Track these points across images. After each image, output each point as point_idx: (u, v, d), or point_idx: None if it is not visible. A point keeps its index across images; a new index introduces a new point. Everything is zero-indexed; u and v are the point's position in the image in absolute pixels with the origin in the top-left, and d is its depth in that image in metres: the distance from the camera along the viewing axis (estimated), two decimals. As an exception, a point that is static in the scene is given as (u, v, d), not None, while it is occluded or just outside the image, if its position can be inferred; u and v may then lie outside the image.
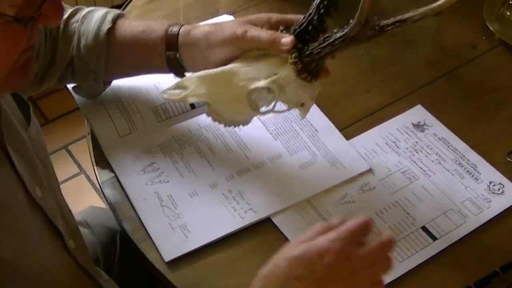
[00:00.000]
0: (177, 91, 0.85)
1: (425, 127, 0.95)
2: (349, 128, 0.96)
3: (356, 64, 1.07)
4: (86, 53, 0.86)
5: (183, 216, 0.85)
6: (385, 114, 0.98)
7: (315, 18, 0.79)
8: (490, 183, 0.88)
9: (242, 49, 0.83)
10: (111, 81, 0.95)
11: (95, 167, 0.90)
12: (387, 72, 1.05)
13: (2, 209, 0.62)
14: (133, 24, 0.89)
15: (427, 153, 0.92)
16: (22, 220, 0.66)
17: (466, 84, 1.04)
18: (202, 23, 0.93)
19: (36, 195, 0.68)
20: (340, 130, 0.95)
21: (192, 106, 0.98)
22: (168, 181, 0.89)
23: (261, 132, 0.96)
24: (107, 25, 0.87)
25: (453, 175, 0.89)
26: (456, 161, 0.91)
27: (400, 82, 1.03)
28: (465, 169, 0.90)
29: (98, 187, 0.89)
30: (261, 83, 0.81)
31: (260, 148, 0.94)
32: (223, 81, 0.83)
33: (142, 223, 0.83)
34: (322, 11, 0.78)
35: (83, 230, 0.97)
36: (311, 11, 0.79)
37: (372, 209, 0.85)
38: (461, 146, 0.92)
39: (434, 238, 0.82)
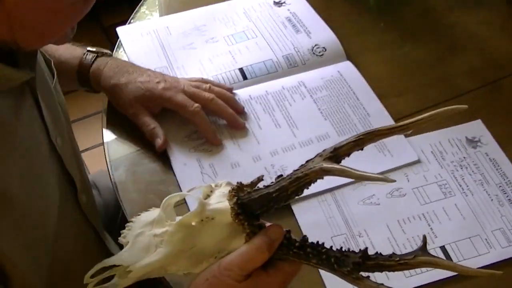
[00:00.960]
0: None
1: (478, 144, 0.90)
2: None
3: (393, 66, 1.03)
4: None
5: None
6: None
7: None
8: (530, 217, 0.82)
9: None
10: None
11: (105, 144, 0.92)
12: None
13: (23, 151, 0.65)
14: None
15: (472, 171, 0.87)
16: (41, 166, 0.69)
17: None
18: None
19: (57, 143, 0.71)
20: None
21: (244, 76, 0.98)
22: (211, 150, 0.90)
23: (312, 110, 0.96)
24: None
25: (492, 200, 0.84)
26: (500, 186, 0.85)
27: (438, 87, 0.99)
28: (507, 196, 0.84)
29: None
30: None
31: (309, 126, 0.94)
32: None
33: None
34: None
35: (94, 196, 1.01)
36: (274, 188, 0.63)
37: (395, 216, 0.83)
38: (511, 172, 0.87)
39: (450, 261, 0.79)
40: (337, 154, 0.62)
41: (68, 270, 0.72)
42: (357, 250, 0.79)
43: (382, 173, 0.87)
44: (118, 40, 1.06)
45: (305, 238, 0.66)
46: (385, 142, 0.90)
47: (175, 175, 0.88)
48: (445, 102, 0.95)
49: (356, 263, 0.64)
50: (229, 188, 0.68)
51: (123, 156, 0.91)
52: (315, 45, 1.02)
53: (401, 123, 0.61)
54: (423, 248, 0.65)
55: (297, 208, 0.83)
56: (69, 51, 0.91)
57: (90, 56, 0.90)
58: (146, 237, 0.65)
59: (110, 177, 0.88)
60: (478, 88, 0.97)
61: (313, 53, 1.02)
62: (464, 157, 0.89)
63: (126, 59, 1.01)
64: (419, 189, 0.85)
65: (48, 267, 0.70)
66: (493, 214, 0.83)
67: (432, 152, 0.89)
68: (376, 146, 0.89)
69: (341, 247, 0.66)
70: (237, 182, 0.67)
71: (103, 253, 0.85)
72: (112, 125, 0.94)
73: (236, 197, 0.64)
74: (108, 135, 0.94)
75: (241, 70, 0.99)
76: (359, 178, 0.58)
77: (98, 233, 0.84)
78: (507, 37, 1.05)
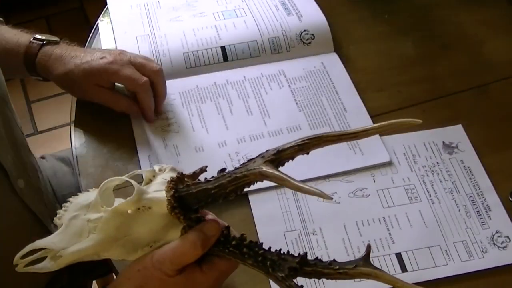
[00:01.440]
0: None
1: (455, 150, 0.86)
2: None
3: (381, 60, 0.99)
4: None
5: (181, 164, 0.84)
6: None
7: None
8: (496, 232, 0.78)
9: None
10: None
11: (71, 126, 0.91)
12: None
13: None
14: (5, 29, 0.90)
15: (443, 178, 0.83)
16: None
17: (497, 102, 0.92)
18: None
19: None
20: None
21: (225, 58, 0.95)
22: (178, 132, 0.88)
23: (287, 100, 0.93)
24: None
25: (459, 210, 0.80)
26: (470, 196, 0.81)
27: (424, 86, 0.94)
28: (476, 208, 0.80)
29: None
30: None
31: (281, 116, 0.91)
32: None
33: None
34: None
35: (63, 168, 0.99)
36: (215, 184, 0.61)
37: (354, 217, 0.79)
38: (485, 183, 0.82)
39: (404, 270, 0.75)
40: (280, 157, 0.59)
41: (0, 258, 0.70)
42: (308, 248, 0.77)
43: (351, 171, 0.83)
44: (106, 7, 1.05)
45: (243, 237, 0.63)
46: (359, 142, 0.86)
47: (137, 153, 0.86)
48: (426, 103, 0.91)
49: (292, 268, 0.61)
50: (173, 174, 0.65)
51: (88, 131, 0.90)
52: (304, 31, 0.98)
53: (349, 130, 0.58)
54: (366, 258, 0.61)
55: (253, 199, 0.81)
56: (15, 39, 0.88)
57: (35, 45, 0.87)
58: (80, 221, 0.63)
59: (72, 150, 0.87)
60: (463, 91, 0.92)
61: (301, 39, 0.98)
62: (438, 163, 0.84)
63: (110, 27, 1.00)
64: (384, 191, 0.82)
65: None
66: (458, 225, 0.79)
67: (404, 154, 0.85)
68: (347, 143, 0.86)
69: (280, 249, 0.63)
70: (178, 173, 0.64)
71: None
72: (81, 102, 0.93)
73: (173, 190, 0.62)
74: (78, 112, 0.92)
75: (223, 49, 0.96)
76: (296, 189, 0.55)
77: (41, 220, 0.81)
78: (503, 40, 0.99)
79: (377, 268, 0.60)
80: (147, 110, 0.86)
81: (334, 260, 0.62)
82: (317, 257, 0.62)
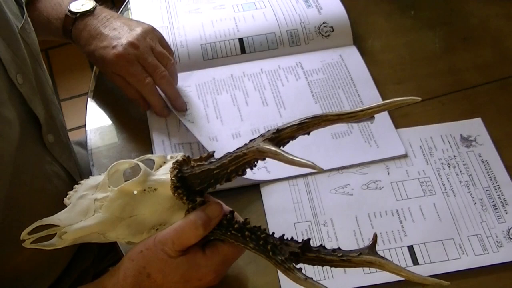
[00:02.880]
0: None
1: (473, 143, 0.84)
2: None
3: (401, 53, 0.97)
4: None
5: (196, 155, 0.84)
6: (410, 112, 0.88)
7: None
8: (513, 227, 0.76)
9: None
10: None
11: (87, 111, 0.92)
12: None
13: None
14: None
15: (460, 171, 0.81)
16: None
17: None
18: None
19: (17, 81, 0.71)
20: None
21: (243, 50, 0.95)
22: (192, 122, 0.88)
23: (304, 92, 0.92)
24: None
25: (475, 203, 0.78)
26: (487, 190, 0.79)
27: (443, 79, 0.93)
28: (492, 202, 0.78)
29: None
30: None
31: (297, 108, 0.90)
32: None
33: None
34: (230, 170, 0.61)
35: (80, 150, 1.00)
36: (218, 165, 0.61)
37: (367, 209, 0.78)
38: (502, 177, 0.80)
39: (415, 262, 0.74)
40: (280, 135, 0.59)
41: (23, 207, 0.73)
42: (318, 239, 0.76)
43: (365, 163, 0.82)
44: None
45: (246, 221, 0.64)
46: (373, 132, 0.85)
47: (151, 144, 0.86)
48: (445, 96, 0.89)
49: (293, 253, 0.61)
50: None
51: (103, 121, 0.91)
52: (323, 23, 0.97)
53: (348, 110, 0.57)
54: (371, 247, 0.61)
55: (265, 190, 0.81)
56: (54, 12, 0.90)
57: (70, 18, 0.88)
58: (87, 200, 0.65)
59: (86, 141, 0.88)
60: (483, 84, 0.90)
61: (319, 32, 0.97)
62: (454, 156, 0.83)
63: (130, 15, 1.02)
64: (398, 184, 0.80)
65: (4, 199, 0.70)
66: (473, 219, 0.77)
67: (420, 147, 0.84)
68: (363, 135, 0.85)
69: (283, 235, 0.63)
70: (184, 155, 0.65)
71: None
72: (98, 91, 0.95)
73: (177, 170, 0.62)
74: (93, 102, 0.94)
75: (241, 41, 0.96)
76: (289, 162, 0.55)
77: (72, 175, 0.83)
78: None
79: (381, 257, 0.60)
80: (154, 107, 0.87)
81: (338, 247, 0.62)
82: (321, 244, 0.62)
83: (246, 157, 0.59)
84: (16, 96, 0.72)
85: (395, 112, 0.87)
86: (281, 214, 0.78)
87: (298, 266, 0.60)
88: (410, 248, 0.75)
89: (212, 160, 0.62)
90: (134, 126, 0.89)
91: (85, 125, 0.90)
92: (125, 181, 0.65)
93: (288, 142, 0.60)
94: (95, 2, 0.90)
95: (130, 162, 0.67)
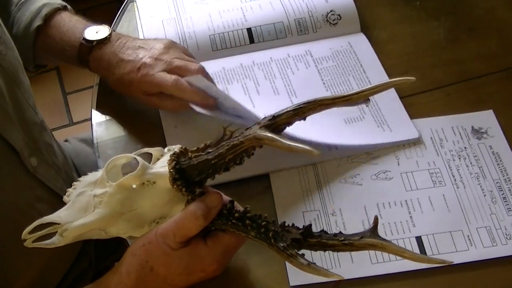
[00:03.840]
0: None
1: (484, 135, 0.83)
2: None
3: (407, 43, 0.96)
4: (16, 41, 0.83)
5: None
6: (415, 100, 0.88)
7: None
8: (522, 220, 0.76)
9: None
10: (43, 65, 0.95)
11: (92, 103, 0.92)
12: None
13: None
14: (63, 22, 0.88)
15: (470, 163, 0.81)
16: None
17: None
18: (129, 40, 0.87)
19: None
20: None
21: (251, 39, 0.95)
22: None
23: (314, 80, 0.92)
24: (38, 22, 0.86)
25: (485, 195, 0.78)
26: (497, 182, 0.79)
27: (449, 69, 0.92)
28: (502, 194, 0.78)
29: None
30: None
31: (308, 95, 0.89)
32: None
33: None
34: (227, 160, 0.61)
35: (86, 148, 1.00)
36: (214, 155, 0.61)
37: (376, 199, 0.78)
38: (513, 169, 0.80)
39: (423, 254, 0.73)
40: (276, 122, 0.59)
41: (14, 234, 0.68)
42: (326, 229, 0.76)
43: (375, 153, 0.82)
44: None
45: (246, 210, 0.63)
46: (386, 117, 0.85)
47: (157, 136, 0.86)
48: (450, 86, 0.89)
49: (295, 239, 0.61)
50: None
51: (109, 113, 0.91)
52: (330, 11, 0.97)
53: (343, 94, 0.57)
54: (373, 230, 0.61)
55: (274, 178, 0.80)
56: (67, 39, 0.87)
57: (85, 47, 0.85)
58: (86, 196, 0.64)
59: (92, 134, 0.88)
60: (489, 74, 0.90)
61: (327, 20, 0.97)
62: (465, 147, 0.82)
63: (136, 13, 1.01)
64: (408, 174, 0.80)
65: None
66: (482, 211, 0.77)
67: (431, 138, 0.83)
68: (375, 120, 0.85)
69: (284, 222, 0.63)
70: (181, 146, 0.64)
71: None
72: (104, 84, 0.93)
73: (175, 162, 0.62)
74: (99, 95, 0.93)
75: (249, 31, 0.96)
76: (287, 149, 0.55)
77: (59, 195, 0.80)
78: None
79: (383, 239, 0.60)
80: (201, 102, 0.81)
81: (340, 232, 0.61)
82: (322, 229, 0.62)
83: (243, 145, 0.59)
84: None
85: (405, 102, 0.87)
86: (290, 203, 0.78)
87: (300, 252, 0.60)
88: (418, 239, 0.75)
89: (209, 151, 0.62)
90: (140, 118, 0.89)
91: (91, 118, 0.90)
92: (125, 174, 0.65)
93: (285, 128, 0.60)
94: (109, 28, 0.86)
95: (128, 157, 0.67)
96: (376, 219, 0.60)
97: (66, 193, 0.65)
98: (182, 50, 0.86)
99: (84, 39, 0.85)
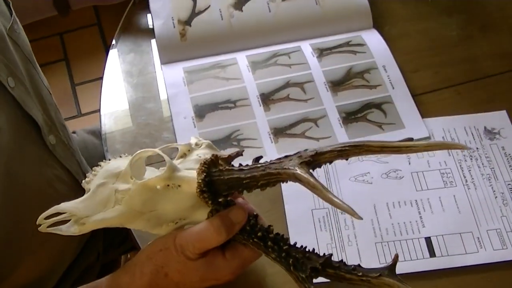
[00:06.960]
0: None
1: (497, 136, 0.83)
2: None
3: (419, 40, 0.95)
4: None
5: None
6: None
7: None
8: (533, 223, 0.75)
9: None
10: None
11: (101, 100, 0.91)
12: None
13: None
14: None
15: (482, 164, 0.80)
16: None
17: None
18: None
19: (8, 84, 0.68)
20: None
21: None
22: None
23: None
24: None
25: (496, 197, 0.77)
26: (509, 184, 0.78)
27: (460, 67, 0.91)
28: (514, 196, 0.77)
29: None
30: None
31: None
32: None
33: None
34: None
35: (94, 140, 0.99)
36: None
37: (386, 198, 0.78)
38: (525, 171, 0.79)
39: (432, 254, 0.73)
40: (318, 159, 0.56)
41: (23, 216, 0.69)
42: (335, 227, 0.76)
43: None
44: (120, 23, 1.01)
45: (269, 229, 0.61)
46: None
47: (165, 129, 0.86)
48: (461, 84, 0.88)
49: (314, 268, 0.59)
50: (208, 151, 0.64)
51: (118, 106, 0.90)
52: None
53: (393, 143, 0.54)
54: (391, 268, 0.58)
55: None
56: None
57: None
58: (107, 189, 0.62)
59: (100, 126, 0.88)
60: (501, 73, 0.89)
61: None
62: (477, 148, 0.82)
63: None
64: (419, 174, 0.80)
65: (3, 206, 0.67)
66: (493, 213, 0.76)
67: (443, 138, 0.83)
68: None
69: (305, 247, 0.61)
70: (212, 154, 0.62)
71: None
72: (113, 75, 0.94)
73: (204, 174, 0.60)
74: (108, 86, 0.93)
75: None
76: (328, 201, 0.53)
77: (75, 177, 0.80)
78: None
79: (401, 280, 0.57)
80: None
81: (358, 265, 0.59)
82: (341, 260, 0.60)
83: (279, 176, 0.57)
84: (8, 100, 0.68)
85: (417, 99, 0.86)
86: (299, 200, 0.78)
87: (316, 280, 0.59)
88: (428, 240, 0.74)
89: (242, 167, 0.59)
90: (149, 111, 0.89)
91: (99, 109, 0.89)
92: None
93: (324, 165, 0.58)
94: None
95: (154, 151, 0.65)
96: (396, 257, 0.58)
97: (86, 179, 0.63)
98: None
99: None
